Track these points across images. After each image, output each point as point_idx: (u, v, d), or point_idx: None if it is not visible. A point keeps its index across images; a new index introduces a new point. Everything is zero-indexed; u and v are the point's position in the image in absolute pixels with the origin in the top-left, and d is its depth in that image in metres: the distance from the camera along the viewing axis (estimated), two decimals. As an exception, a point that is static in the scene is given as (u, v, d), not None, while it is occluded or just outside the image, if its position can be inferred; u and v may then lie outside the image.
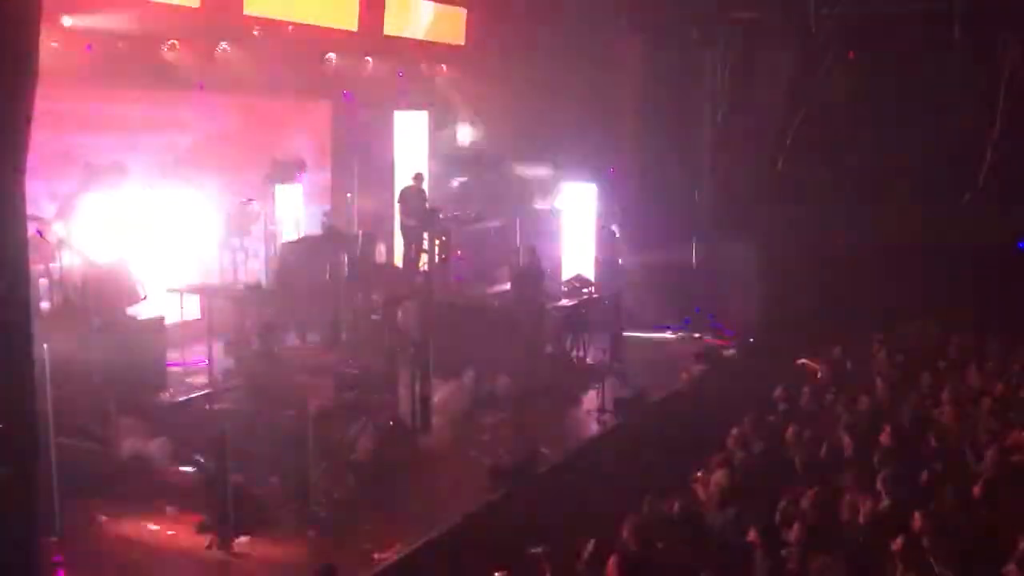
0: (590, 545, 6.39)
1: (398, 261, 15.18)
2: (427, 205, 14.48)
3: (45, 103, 5.40)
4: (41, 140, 5.71)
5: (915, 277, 13.41)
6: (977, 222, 13.59)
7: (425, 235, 14.16)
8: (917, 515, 6.41)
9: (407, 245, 14.70)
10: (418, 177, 15.07)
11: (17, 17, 4.91)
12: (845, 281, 13.93)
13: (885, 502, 7.06)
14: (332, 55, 13.92)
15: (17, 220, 5.19)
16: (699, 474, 8.23)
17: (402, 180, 15.86)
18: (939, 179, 13.92)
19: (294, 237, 13.54)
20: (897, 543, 6.11)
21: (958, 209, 13.77)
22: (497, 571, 6.61)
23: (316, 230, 13.48)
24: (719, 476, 7.87)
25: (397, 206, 14.84)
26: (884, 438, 8.28)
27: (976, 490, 7.20)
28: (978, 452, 8.14)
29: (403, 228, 14.83)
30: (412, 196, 14.76)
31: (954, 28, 13.44)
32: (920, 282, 13.28)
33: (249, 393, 9.61)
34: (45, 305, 10.46)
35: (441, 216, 14.54)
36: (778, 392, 10.39)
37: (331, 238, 12.85)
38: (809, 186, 14.38)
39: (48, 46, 5.45)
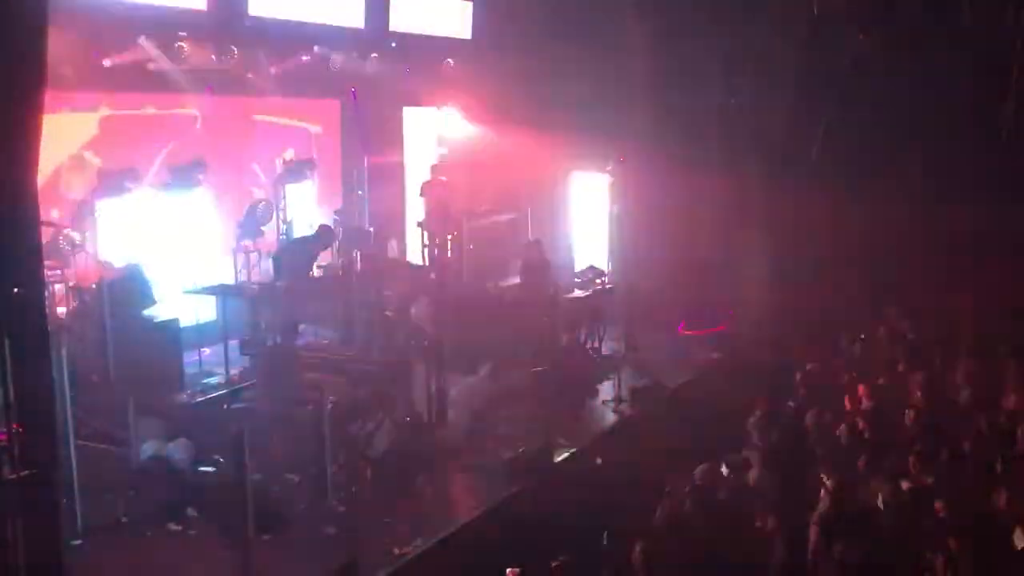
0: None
1: (410, 257, 15.20)
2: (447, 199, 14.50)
3: (54, 108, 5.42)
4: (53, 145, 5.74)
5: (923, 266, 13.29)
6: (992, 210, 13.37)
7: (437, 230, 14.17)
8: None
9: (423, 240, 14.71)
10: (437, 169, 15.06)
11: (25, 23, 4.93)
12: (857, 273, 13.80)
13: (906, 485, 7.04)
14: (338, 54, 13.91)
15: (31, 225, 5.21)
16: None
17: (412, 176, 15.88)
18: (952, 163, 13.74)
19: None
20: None
21: (971, 194, 13.59)
22: (516, 567, 6.61)
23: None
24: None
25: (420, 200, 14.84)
26: (906, 421, 8.26)
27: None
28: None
29: (420, 223, 14.84)
30: (432, 189, 14.77)
31: (963, 8, 13.31)
32: (930, 270, 13.16)
33: (265, 391, 9.63)
34: (61, 310, 10.54)
35: (452, 211, 14.55)
36: (798, 377, 10.37)
37: (317, 237, 12.59)
38: (822, 175, 14.22)
39: (56, 51, 5.46)
